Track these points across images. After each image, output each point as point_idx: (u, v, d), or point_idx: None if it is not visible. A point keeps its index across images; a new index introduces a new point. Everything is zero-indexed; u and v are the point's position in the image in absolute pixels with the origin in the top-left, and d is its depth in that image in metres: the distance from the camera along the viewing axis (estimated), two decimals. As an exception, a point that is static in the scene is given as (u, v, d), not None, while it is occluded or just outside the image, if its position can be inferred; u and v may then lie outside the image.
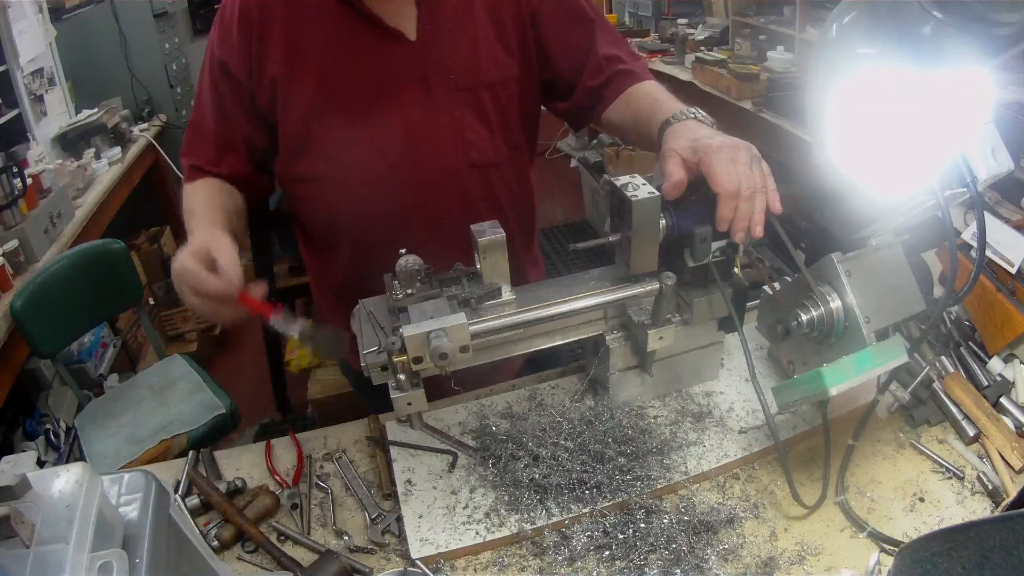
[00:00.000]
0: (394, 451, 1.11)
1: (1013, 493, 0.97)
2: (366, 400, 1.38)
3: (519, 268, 1.41)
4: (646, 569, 0.91)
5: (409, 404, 0.94)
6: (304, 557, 0.98)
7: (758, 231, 0.92)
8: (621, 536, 0.95)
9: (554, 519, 0.98)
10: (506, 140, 1.25)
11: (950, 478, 1.03)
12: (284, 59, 1.13)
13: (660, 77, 3.52)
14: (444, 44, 1.15)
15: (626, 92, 1.23)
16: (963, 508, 0.99)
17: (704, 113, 1.05)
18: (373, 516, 1.03)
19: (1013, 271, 1.22)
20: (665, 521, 0.96)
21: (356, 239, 1.26)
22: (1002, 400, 1.11)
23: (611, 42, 1.27)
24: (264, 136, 1.21)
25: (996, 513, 0.97)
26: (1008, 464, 1.02)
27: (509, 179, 1.29)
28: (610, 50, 1.25)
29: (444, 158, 1.19)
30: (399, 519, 1.02)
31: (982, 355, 1.21)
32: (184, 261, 0.95)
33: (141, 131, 3.58)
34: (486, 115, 1.21)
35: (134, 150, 3.40)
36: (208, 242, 0.97)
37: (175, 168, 3.73)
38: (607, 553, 0.94)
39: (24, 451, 2.33)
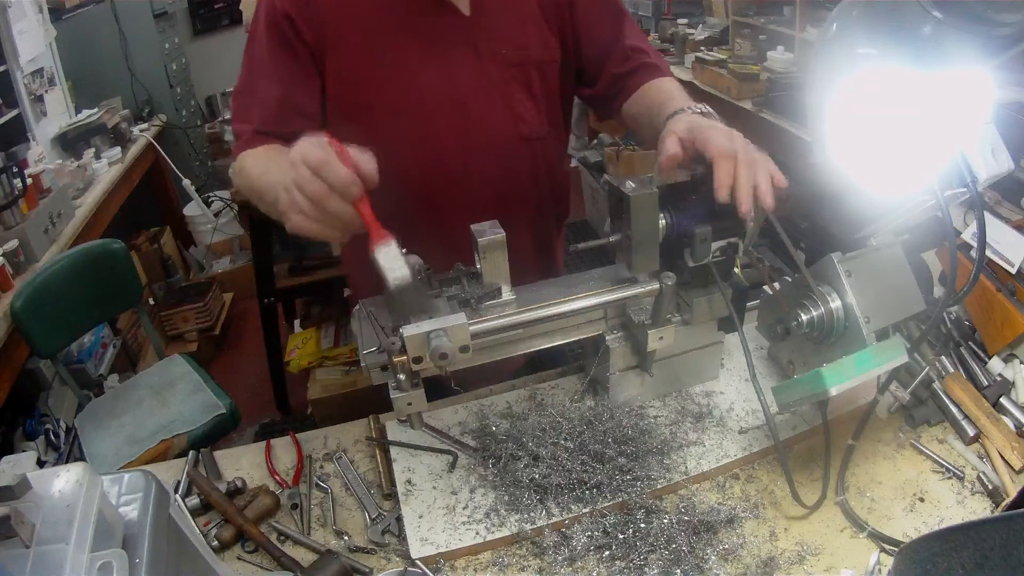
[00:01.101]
0: (394, 451, 1.11)
1: (1013, 493, 0.97)
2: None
3: (550, 250, 1.45)
4: (646, 569, 0.91)
5: (409, 404, 0.94)
6: (304, 557, 0.98)
7: (768, 201, 0.86)
8: (621, 536, 0.95)
9: (554, 519, 0.98)
10: (549, 118, 1.29)
11: (950, 478, 1.03)
12: (336, 26, 1.13)
13: (660, 77, 3.52)
14: (495, 20, 1.18)
15: (645, 86, 1.26)
16: (963, 508, 0.99)
17: (712, 111, 1.06)
18: (373, 516, 1.03)
19: (1013, 271, 1.22)
20: (665, 521, 0.96)
21: (400, 207, 1.25)
22: (1002, 400, 1.11)
23: (638, 36, 1.32)
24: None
25: (996, 513, 0.97)
26: (1008, 464, 1.02)
27: (550, 156, 1.33)
28: (636, 43, 1.30)
29: (494, 127, 1.22)
30: (399, 519, 1.02)
31: (982, 355, 1.21)
32: (310, 139, 0.82)
33: (141, 131, 3.58)
34: (533, 91, 1.24)
35: (134, 150, 3.40)
36: (329, 140, 0.83)
37: (175, 168, 3.73)
38: (607, 553, 0.94)
39: (24, 451, 2.33)
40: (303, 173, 0.81)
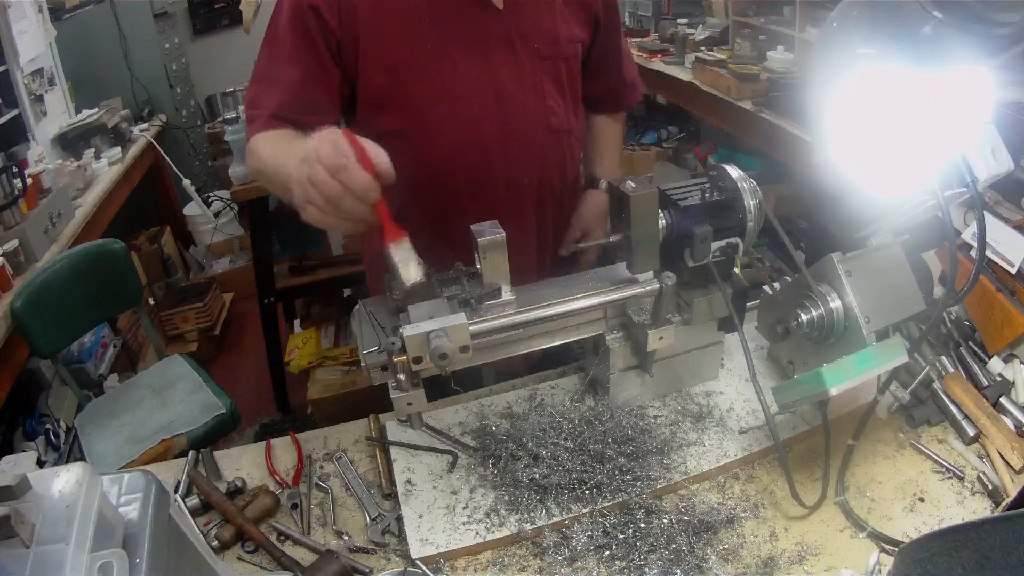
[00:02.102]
0: (394, 451, 1.11)
1: (1013, 493, 0.97)
2: None
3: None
4: (646, 569, 0.91)
5: (409, 404, 0.94)
6: (304, 557, 0.98)
7: None
8: (621, 536, 0.95)
9: (554, 519, 0.98)
10: (574, 111, 1.33)
11: (950, 478, 1.03)
12: (371, 15, 1.14)
13: (660, 77, 3.51)
14: (528, 14, 1.21)
15: (594, 122, 1.43)
16: (963, 508, 0.99)
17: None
18: (373, 516, 1.03)
19: (1013, 271, 1.22)
20: (665, 521, 0.96)
21: (435, 196, 1.27)
22: (1002, 400, 1.11)
23: (629, 59, 1.45)
24: (348, 87, 1.20)
25: (996, 513, 0.97)
26: (1008, 464, 1.02)
27: (575, 148, 1.37)
28: (630, 72, 1.45)
29: (528, 118, 1.25)
30: (399, 519, 1.02)
31: (982, 355, 1.21)
32: (328, 136, 0.81)
33: (141, 131, 3.58)
34: (561, 84, 1.28)
35: (134, 150, 3.39)
36: (346, 133, 0.82)
37: (175, 168, 3.73)
38: (607, 553, 0.94)
39: (24, 451, 2.32)
40: (319, 173, 0.81)
